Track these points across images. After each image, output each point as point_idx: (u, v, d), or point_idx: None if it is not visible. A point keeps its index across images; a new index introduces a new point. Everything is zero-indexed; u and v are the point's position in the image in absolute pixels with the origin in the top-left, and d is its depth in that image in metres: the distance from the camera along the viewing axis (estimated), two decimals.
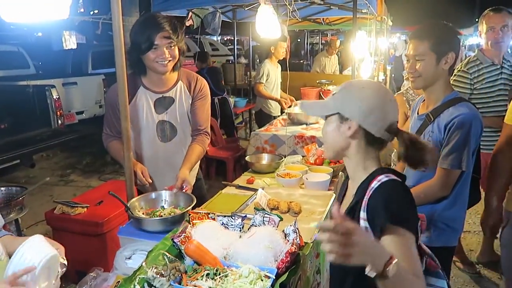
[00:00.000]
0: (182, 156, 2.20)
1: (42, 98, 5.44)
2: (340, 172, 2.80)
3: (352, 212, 1.22)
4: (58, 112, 5.55)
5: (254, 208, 1.93)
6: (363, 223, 1.17)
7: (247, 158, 2.97)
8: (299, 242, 1.50)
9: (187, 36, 11.05)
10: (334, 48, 7.18)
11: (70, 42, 12.31)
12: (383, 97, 1.23)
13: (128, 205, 1.89)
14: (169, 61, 2.06)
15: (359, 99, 1.21)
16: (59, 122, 5.58)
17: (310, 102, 1.39)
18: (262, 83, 4.79)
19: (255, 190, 2.27)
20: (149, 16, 2.20)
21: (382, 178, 1.20)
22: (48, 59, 8.90)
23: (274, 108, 5.00)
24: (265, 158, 2.98)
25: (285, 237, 1.55)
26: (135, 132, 2.17)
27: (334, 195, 2.28)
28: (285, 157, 2.96)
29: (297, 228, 1.55)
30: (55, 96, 5.50)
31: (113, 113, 2.12)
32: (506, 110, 2.11)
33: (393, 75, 8.79)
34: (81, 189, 5.25)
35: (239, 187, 2.48)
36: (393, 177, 1.20)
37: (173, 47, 2.05)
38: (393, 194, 1.16)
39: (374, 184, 1.19)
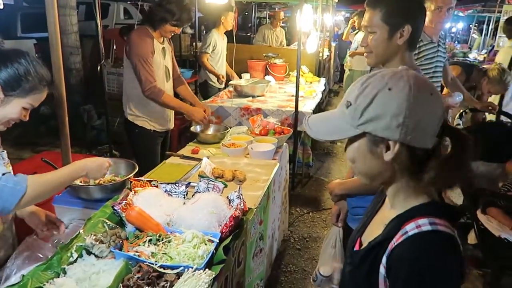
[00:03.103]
0: (173, 92, 3.02)
1: None
2: (284, 143, 2.85)
3: (374, 251, 0.93)
4: None
5: (199, 176, 1.91)
6: (382, 269, 0.90)
7: (191, 128, 2.94)
8: (243, 207, 1.52)
9: (128, 2, 10.47)
10: (278, 20, 7.20)
11: None
12: (423, 93, 0.85)
13: None
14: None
15: (391, 110, 0.83)
16: None
17: (317, 119, 0.96)
18: (208, 53, 4.68)
19: (200, 160, 2.25)
20: (189, 8, 2.90)
21: (424, 224, 0.85)
22: None
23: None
24: (210, 129, 2.96)
25: (229, 203, 1.57)
26: (157, 75, 2.79)
27: (278, 164, 2.33)
28: (230, 128, 2.95)
29: (241, 194, 1.56)
30: None
31: (149, 63, 2.68)
32: (441, 86, 2.20)
33: (337, 52, 9.00)
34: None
35: (183, 157, 2.44)
36: (441, 227, 0.85)
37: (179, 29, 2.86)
38: (429, 263, 0.81)
39: (410, 228, 0.86)
